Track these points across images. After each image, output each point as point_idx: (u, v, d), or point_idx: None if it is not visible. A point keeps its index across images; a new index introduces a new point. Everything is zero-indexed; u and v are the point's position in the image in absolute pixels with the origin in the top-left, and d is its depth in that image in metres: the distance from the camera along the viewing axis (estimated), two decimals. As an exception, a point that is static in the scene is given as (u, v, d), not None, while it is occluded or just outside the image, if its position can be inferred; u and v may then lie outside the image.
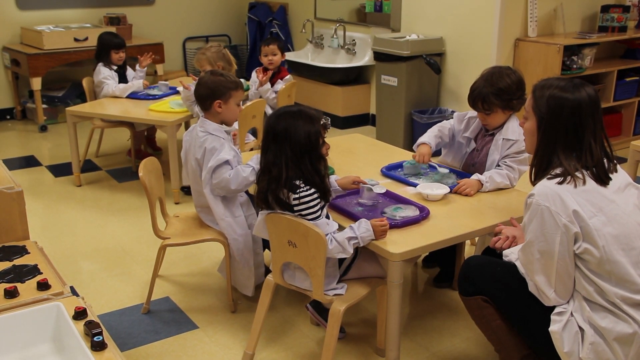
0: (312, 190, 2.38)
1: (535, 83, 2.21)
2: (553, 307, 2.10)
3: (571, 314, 2.08)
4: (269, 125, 2.43)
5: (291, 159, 2.37)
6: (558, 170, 2.08)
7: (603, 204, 2.03)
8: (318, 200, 2.40)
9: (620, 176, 2.14)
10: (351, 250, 2.40)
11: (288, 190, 2.38)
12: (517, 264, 2.22)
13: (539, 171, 2.16)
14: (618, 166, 2.18)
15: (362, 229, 2.40)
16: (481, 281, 2.30)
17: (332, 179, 2.76)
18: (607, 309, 2.03)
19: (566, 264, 2.04)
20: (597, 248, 2.00)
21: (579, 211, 2.00)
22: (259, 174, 2.48)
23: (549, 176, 2.08)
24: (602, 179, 2.07)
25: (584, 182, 2.04)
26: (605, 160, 2.11)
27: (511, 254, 2.30)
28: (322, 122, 2.46)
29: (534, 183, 2.17)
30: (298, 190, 2.37)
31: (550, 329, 2.08)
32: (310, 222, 2.38)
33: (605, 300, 2.03)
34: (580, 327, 2.06)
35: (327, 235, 2.37)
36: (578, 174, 2.05)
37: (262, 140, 2.49)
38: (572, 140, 2.09)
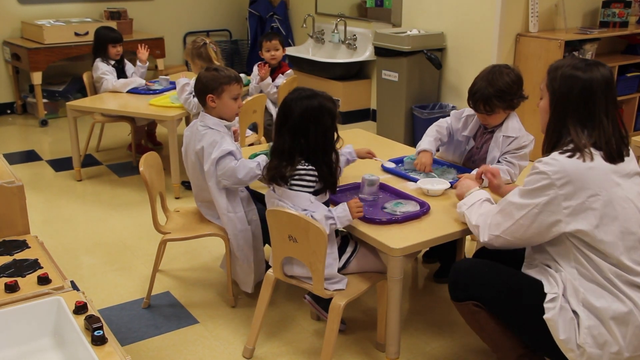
0: (312, 168, 2.46)
1: (551, 64, 2.23)
2: (544, 297, 2.12)
3: (565, 299, 2.09)
4: (288, 110, 2.49)
5: (304, 152, 2.47)
6: (569, 146, 2.09)
7: (608, 184, 2.04)
8: (314, 179, 2.47)
9: (632, 163, 2.15)
10: (327, 230, 2.41)
11: (291, 167, 2.48)
12: (466, 213, 2.41)
13: (549, 145, 2.18)
14: (631, 153, 2.18)
15: (339, 209, 2.46)
16: (471, 285, 2.32)
17: (349, 147, 2.92)
18: (601, 286, 2.05)
19: (528, 225, 2.13)
20: (592, 227, 2.03)
21: (580, 188, 2.02)
22: (271, 151, 2.56)
23: (560, 150, 2.10)
24: (614, 156, 2.08)
25: (592, 159, 2.05)
26: (619, 139, 2.12)
27: (463, 205, 2.46)
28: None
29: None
30: (298, 166, 2.46)
31: (545, 317, 2.09)
32: (293, 191, 2.45)
33: (601, 276, 2.05)
34: (575, 313, 2.07)
35: (305, 211, 2.43)
36: (587, 150, 2.06)
37: (276, 122, 2.56)
38: (583, 116, 2.10)
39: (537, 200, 2.09)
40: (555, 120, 2.16)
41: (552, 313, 2.08)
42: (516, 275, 2.27)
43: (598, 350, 2.04)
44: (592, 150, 2.07)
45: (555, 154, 2.09)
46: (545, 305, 2.10)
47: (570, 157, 2.06)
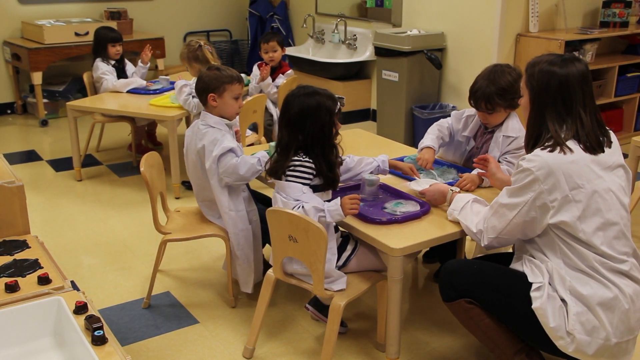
0: (308, 160, 2.49)
1: (529, 61, 2.27)
2: (530, 287, 2.15)
3: (552, 287, 2.12)
4: (287, 106, 2.54)
5: (302, 147, 2.52)
6: (550, 141, 2.14)
7: (590, 177, 2.09)
8: (311, 171, 2.49)
9: (615, 155, 2.19)
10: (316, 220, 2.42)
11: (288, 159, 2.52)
12: (460, 217, 2.45)
13: (531, 141, 2.22)
14: (616, 144, 2.22)
15: (331, 203, 2.45)
16: (461, 283, 2.33)
17: (384, 156, 2.90)
18: (587, 274, 2.09)
19: (522, 223, 2.17)
20: (575, 218, 2.07)
21: (562, 181, 2.07)
22: (275, 146, 2.61)
23: (541, 147, 2.14)
24: (594, 147, 2.13)
25: (572, 152, 2.10)
26: (598, 131, 2.17)
27: (453, 211, 2.49)
28: (338, 108, 2.56)
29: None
30: (296, 158, 2.50)
31: (533, 306, 2.12)
32: (287, 182, 2.48)
33: (585, 265, 2.09)
34: (563, 300, 2.10)
35: (297, 201, 2.45)
36: (567, 144, 2.11)
37: (279, 117, 2.62)
38: (561, 110, 2.15)
39: (526, 197, 2.14)
40: (535, 116, 2.21)
41: (539, 302, 2.11)
42: (503, 270, 2.31)
43: (587, 337, 2.07)
44: (572, 143, 2.12)
45: (537, 151, 2.14)
46: (531, 294, 2.13)
47: (551, 151, 2.11)
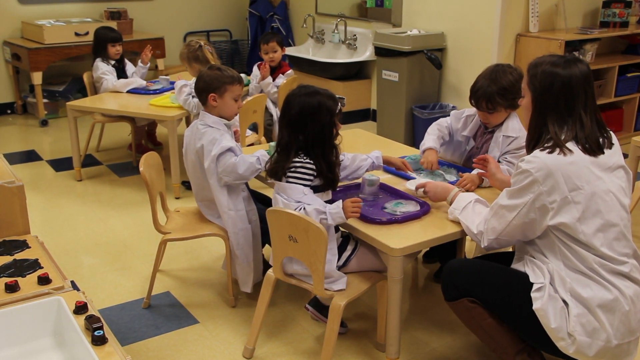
0: (309, 162, 2.49)
1: (530, 62, 2.27)
2: (531, 288, 2.15)
3: (553, 288, 2.12)
4: (287, 106, 2.54)
5: (302, 148, 2.51)
6: (549, 142, 2.13)
7: (590, 178, 2.09)
8: (312, 172, 2.49)
9: (615, 156, 2.19)
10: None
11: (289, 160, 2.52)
12: (460, 217, 2.44)
13: (532, 142, 2.22)
14: (616, 145, 2.22)
15: (333, 206, 2.45)
16: (463, 283, 2.33)
17: (377, 152, 2.90)
18: (587, 276, 2.09)
19: (521, 224, 2.17)
20: (574, 220, 2.07)
21: (562, 182, 2.07)
22: (276, 146, 2.61)
23: (541, 148, 2.14)
24: (594, 149, 2.13)
25: (572, 154, 2.10)
26: (598, 132, 2.16)
27: (454, 210, 2.48)
28: (338, 108, 2.55)
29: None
30: (296, 159, 2.49)
31: (534, 307, 2.11)
32: (287, 183, 2.48)
33: (585, 266, 2.09)
34: (564, 301, 2.10)
35: (298, 202, 2.45)
36: (567, 145, 2.11)
37: (279, 117, 2.62)
38: (562, 112, 2.15)
39: (525, 199, 2.14)
40: (536, 117, 2.20)
41: (540, 302, 2.11)
42: (506, 270, 2.31)
43: (587, 338, 2.07)
44: (572, 144, 2.12)
45: (536, 152, 2.14)
46: (532, 294, 2.13)
47: (550, 152, 2.10)
